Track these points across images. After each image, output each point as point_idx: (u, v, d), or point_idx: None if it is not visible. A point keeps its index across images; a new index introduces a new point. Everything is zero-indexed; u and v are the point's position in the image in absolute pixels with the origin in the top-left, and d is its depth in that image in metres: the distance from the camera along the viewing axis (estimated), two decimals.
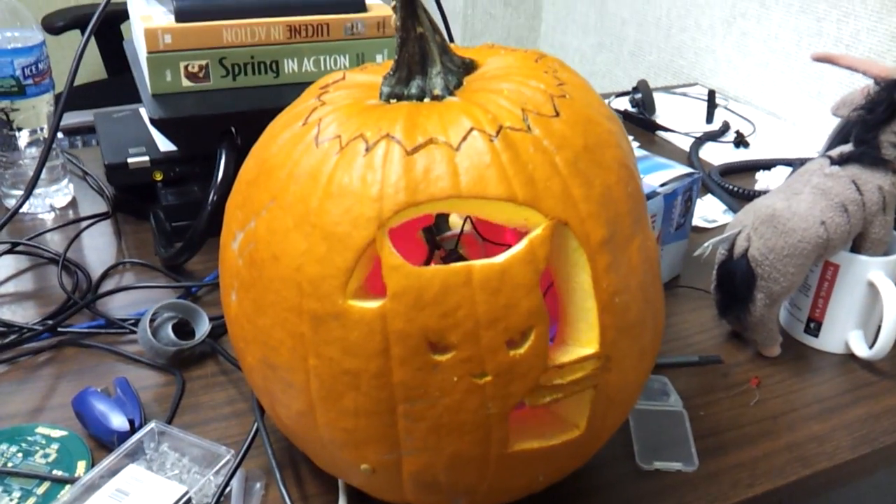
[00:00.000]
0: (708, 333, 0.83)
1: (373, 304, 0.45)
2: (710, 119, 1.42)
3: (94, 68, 2.29)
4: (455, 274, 0.45)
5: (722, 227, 1.03)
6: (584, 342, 0.49)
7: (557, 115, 0.49)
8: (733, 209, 1.08)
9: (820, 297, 0.79)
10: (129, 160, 0.94)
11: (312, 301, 0.47)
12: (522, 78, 0.51)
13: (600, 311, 0.48)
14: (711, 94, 1.43)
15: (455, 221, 0.69)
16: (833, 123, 1.41)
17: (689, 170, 0.86)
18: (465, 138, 0.46)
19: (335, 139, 0.48)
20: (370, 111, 0.50)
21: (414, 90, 0.52)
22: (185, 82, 0.87)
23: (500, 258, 0.45)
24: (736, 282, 0.75)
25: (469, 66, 0.55)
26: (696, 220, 1.05)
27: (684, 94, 1.55)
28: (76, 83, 2.13)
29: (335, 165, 0.47)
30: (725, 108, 1.49)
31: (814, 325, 0.80)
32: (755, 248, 0.73)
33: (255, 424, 0.60)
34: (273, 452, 0.58)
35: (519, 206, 0.46)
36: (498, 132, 0.47)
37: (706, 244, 0.74)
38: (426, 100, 0.52)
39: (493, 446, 0.49)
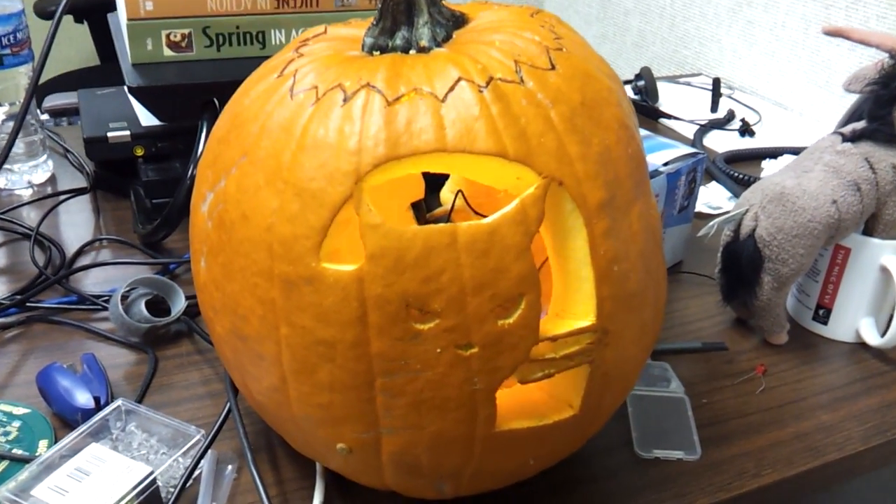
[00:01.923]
0: (712, 320, 0.79)
1: (348, 268, 0.42)
2: (714, 108, 1.38)
3: (86, 55, 2.25)
4: (439, 234, 0.41)
5: (718, 217, 0.99)
6: (579, 314, 0.45)
7: (553, 68, 0.45)
8: (738, 196, 1.04)
9: (830, 283, 0.75)
10: (109, 134, 0.90)
11: (284, 264, 0.43)
12: (516, 30, 0.48)
13: (597, 280, 0.44)
14: (716, 81, 1.40)
15: (446, 197, 0.65)
16: (841, 113, 1.38)
17: (694, 150, 0.82)
18: (451, 89, 0.43)
19: (311, 90, 0.44)
20: (350, 62, 0.46)
21: (399, 41, 0.48)
22: (167, 52, 0.83)
23: (489, 219, 0.42)
24: (742, 264, 0.71)
25: (459, 20, 0.51)
26: (700, 207, 1.01)
27: (688, 84, 1.51)
28: (68, 70, 2.10)
29: (310, 117, 0.43)
30: (730, 97, 1.45)
31: (823, 312, 0.76)
32: (763, 228, 0.69)
33: (228, 404, 0.56)
34: (245, 433, 0.54)
35: (510, 163, 0.42)
36: (488, 83, 0.43)
37: (711, 223, 0.71)
38: (412, 52, 0.48)
39: (480, 425, 0.45)
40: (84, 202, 0.94)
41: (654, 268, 0.49)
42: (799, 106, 1.42)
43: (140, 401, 0.64)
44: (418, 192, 0.62)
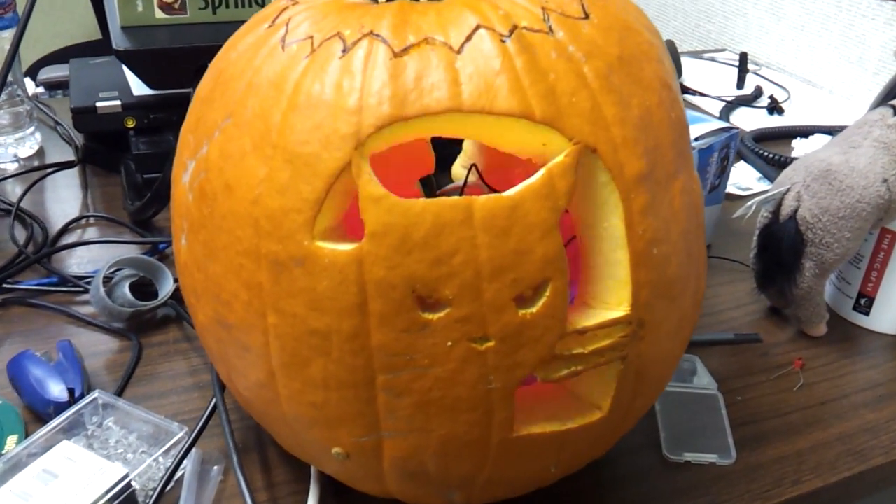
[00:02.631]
0: (744, 309, 0.73)
1: (347, 247, 0.36)
2: (740, 84, 1.31)
3: (88, 29, 2.19)
4: (452, 209, 0.35)
5: (757, 196, 0.93)
6: (611, 303, 0.39)
7: (587, 17, 0.39)
8: (769, 177, 0.98)
9: (873, 270, 0.69)
10: (99, 104, 0.84)
11: (272, 242, 0.37)
12: None
13: (633, 264, 0.38)
14: (743, 56, 1.32)
15: (458, 173, 0.59)
16: (874, 91, 1.30)
17: (726, 124, 0.76)
18: (468, 38, 0.36)
19: (306, 40, 0.38)
20: (352, 9, 0.40)
21: None
22: (159, 14, 0.77)
23: (511, 192, 0.36)
24: (781, 248, 0.65)
25: None
26: (729, 188, 0.95)
27: (712, 59, 1.44)
28: (68, 44, 2.04)
29: (304, 71, 0.37)
30: (757, 73, 1.38)
31: (865, 302, 0.70)
32: (806, 209, 0.63)
33: (214, 399, 0.51)
34: (231, 432, 0.48)
35: (536, 126, 0.36)
36: (511, 32, 0.37)
37: (749, 203, 0.64)
38: None
39: (496, 429, 0.39)
40: (72, 177, 0.89)
41: (695, 251, 0.43)
42: (829, 83, 1.34)
43: (121, 393, 0.58)
44: (428, 165, 0.56)
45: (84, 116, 0.84)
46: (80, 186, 0.87)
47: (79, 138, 0.92)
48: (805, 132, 1.13)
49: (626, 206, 0.38)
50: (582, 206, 0.39)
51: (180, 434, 0.51)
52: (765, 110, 1.22)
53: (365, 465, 0.42)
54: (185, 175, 0.43)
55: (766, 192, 0.71)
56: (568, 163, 0.36)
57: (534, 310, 0.36)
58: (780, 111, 1.21)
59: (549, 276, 0.36)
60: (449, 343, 0.36)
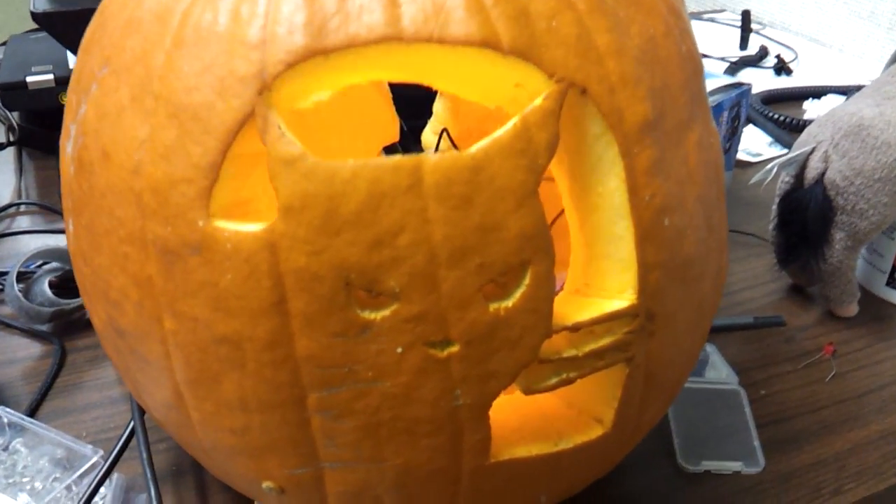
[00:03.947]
0: (762, 289, 0.64)
1: (254, 227, 0.27)
2: (744, 45, 1.21)
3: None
4: (393, 172, 0.26)
5: (777, 159, 0.83)
6: (612, 290, 0.30)
7: None
8: (781, 141, 0.89)
9: None
10: (30, 78, 0.75)
11: (158, 223, 0.28)
12: None
13: (639, 239, 0.29)
14: (746, 14, 1.23)
15: (429, 140, 0.50)
16: (890, 48, 1.21)
17: (735, 79, 0.67)
18: None
19: None
20: None
21: None
22: None
23: (473, 148, 0.26)
24: (807, 217, 0.56)
25: None
26: (738, 154, 0.85)
27: (712, 20, 1.34)
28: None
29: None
30: (760, 33, 1.28)
31: None
32: (835, 171, 0.54)
33: (132, 420, 0.42)
34: (148, 456, 0.39)
35: (504, 59, 0.27)
36: None
37: (769, 166, 0.55)
38: None
39: (467, 456, 0.31)
40: (5, 161, 0.79)
41: (716, 222, 0.34)
42: (839, 41, 1.25)
43: (37, 407, 0.49)
44: (391, 134, 0.47)
45: (13, 93, 0.75)
46: (14, 171, 0.78)
47: (14, 119, 0.83)
48: (817, 93, 1.04)
49: (627, 165, 0.29)
50: (569, 166, 0.30)
51: (94, 458, 0.42)
52: (771, 71, 1.12)
53: (306, 502, 0.33)
54: (68, 143, 0.34)
55: (785, 154, 0.62)
56: (548, 107, 0.27)
57: (509, 303, 0.28)
58: (788, 71, 1.12)
59: (529, 258, 0.27)
60: (399, 349, 0.28)
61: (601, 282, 0.31)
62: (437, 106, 0.48)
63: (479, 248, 0.27)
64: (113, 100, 0.29)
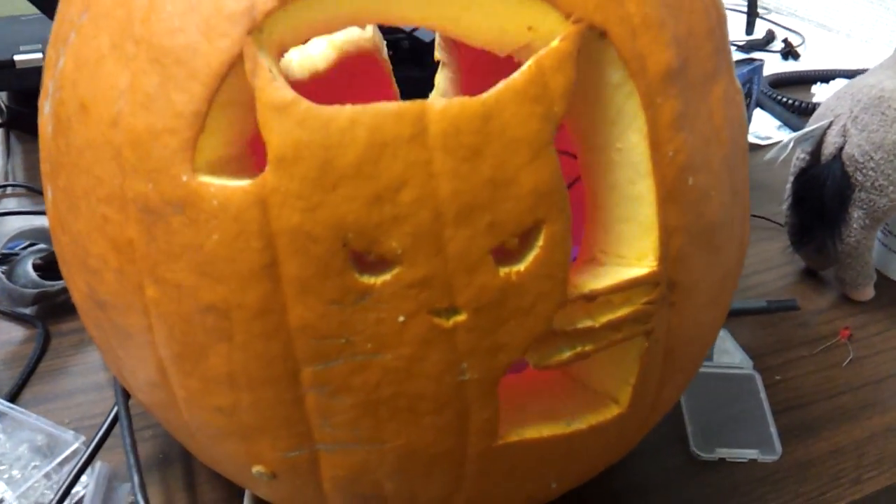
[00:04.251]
0: (775, 272, 0.62)
1: (242, 183, 0.24)
2: (750, 30, 1.18)
3: None
4: (396, 120, 0.23)
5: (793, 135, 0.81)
6: (630, 257, 0.28)
7: None
8: (790, 124, 0.86)
9: None
10: (17, 57, 0.72)
11: (139, 180, 0.26)
12: None
13: (661, 199, 0.27)
14: None
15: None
16: None
17: (747, 55, 0.64)
18: None
19: None
20: None
21: None
22: None
23: (484, 94, 0.24)
24: (824, 195, 0.53)
25: None
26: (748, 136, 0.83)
27: None
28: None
29: None
30: (765, 18, 1.26)
31: None
32: (854, 146, 0.52)
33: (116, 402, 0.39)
34: (132, 443, 0.37)
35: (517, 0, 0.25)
36: None
37: (785, 141, 0.53)
38: None
39: (474, 436, 0.28)
40: None
41: (740, 186, 0.32)
42: (846, 26, 1.22)
43: (18, 392, 0.47)
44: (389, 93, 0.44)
45: (0, 72, 0.72)
46: (2, 154, 0.75)
47: (1, 100, 0.80)
48: (825, 77, 1.01)
49: (649, 117, 0.26)
50: (585, 118, 0.27)
51: (76, 444, 0.40)
52: (778, 55, 1.10)
53: (299, 488, 0.31)
54: (46, 102, 0.31)
55: (802, 132, 0.60)
56: (565, 50, 0.24)
57: (521, 267, 0.25)
58: (796, 56, 1.10)
59: (543, 218, 0.25)
60: (401, 318, 0.25)
61: (619, 248, 0.29)
62: (439, 78, 0.45)
63: (489, 204, 0.24)
64: (92, 47, 0.27)
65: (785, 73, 1.00)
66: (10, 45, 0.75)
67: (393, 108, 0.23)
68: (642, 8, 0.26)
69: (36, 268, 0.53)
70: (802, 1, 1.29)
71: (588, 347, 0.28)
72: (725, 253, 0.31)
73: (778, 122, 0.88)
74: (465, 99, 0.24)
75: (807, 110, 0.90)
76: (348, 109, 0.23)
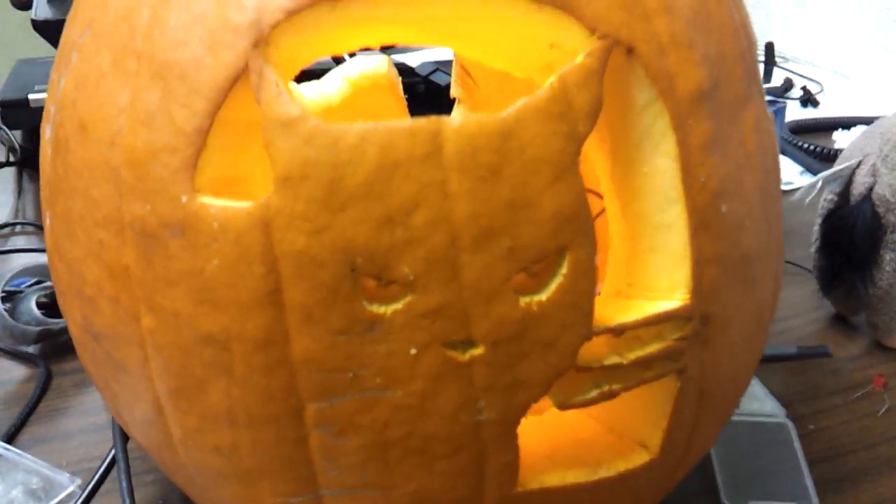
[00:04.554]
0: (804, 318, 0.60)
1: (245, 204, 0.23)
2: (767, 78, 1.18)
3: None
4: (409, 137, 0.22)
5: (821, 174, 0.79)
6: (661, 289, 0.26)
7: None
8: (812, 170, 0.85)
9: None
10: (31, 96, 0.72)
11: (137, 201, 0.24)
12: None
13: (694, 227, 0.25)
14: (769, 47, 1.20)
15: None
16: None
17: (770, 97, 0.63)
18: None
19: None
20: None
21: None
22: None
23: (504, 112, 0.23)
24: (854, 236, 0.51)
25: None
26: None
27: None
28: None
29: None
30: (782, 67, 1.25)
31: None
32: (885, 185, 0.50)
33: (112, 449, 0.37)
34: (129, 490, 0.35)
35: (539, 10, 0.23)
36: None
37: (813, 181, 0.51)
38: None
39: (491, 483, 0.26)
40: (5, 181, 0.76)
41: (774, 219, 0.30)
42: (864, 75, 1.22)
43: (16, 432, 0.45)
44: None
45: (14, 111, 0.73)
46: (13, 192, 0.75)
47: (16, 138, 0.80)
48: (846, 123, 1.00)
49: (680, 139, 0.25)
50: (611, 143, 0.26)
51: (71, 487, 0.38)
52: (798, 103, 1.09)
53: None
54: (47, 126, 0.30)
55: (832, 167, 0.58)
56: (590, 66, 0.23)
57: (543, 297, 0.23)
58: (815, 103, 1.09)
59: (566, 244, 0.23)
60: (413, 351, 0.23)
61: (648, 280, 0.27)
62: (455, 114, 0.44)
63: (508, 228, 0.23)
64: (93, 65, 0.26)
65: (805, 119, 0.99)
66: (25, 84, 0.76)
67: (406, 125, 0.22)
68: (671, 26, 0.25)
69: (40, 305, 0.52)
70: (820, 49, 1.29)
71: (616, 386, 0.26)
72: (761, 287, 0.29)
73: (800, 168, 0.86)
74: (483, 116, 0.22)
75: (829, 156, 0.88)
76: (358, 127, 0.22)
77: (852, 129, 1.00)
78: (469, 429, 0.25)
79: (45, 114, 0.31)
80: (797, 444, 0.46)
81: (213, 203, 0.23)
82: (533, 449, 0.28)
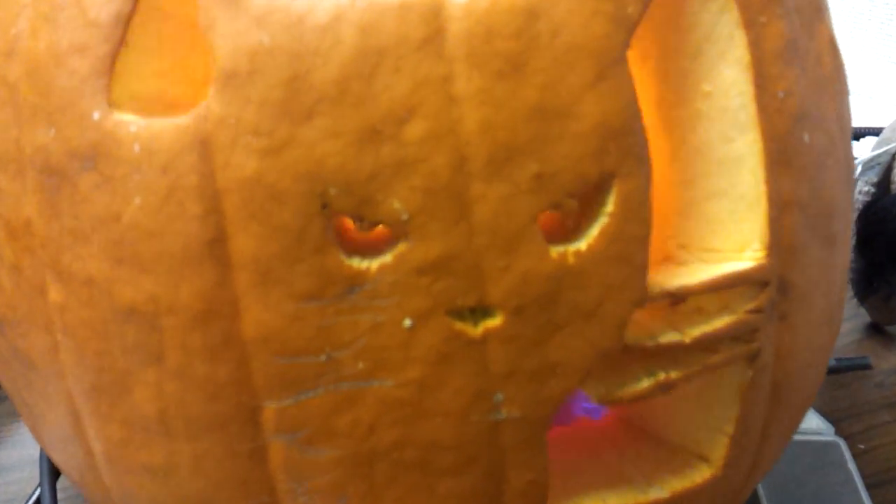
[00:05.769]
0: None
1: (175, 119, 0.17)
2: None
3: None
4: (400, 15, 0.16)
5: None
6: (725, 247, 0.20)
7: None
8: None
9: None
10: None
11: (38, 126, 0.18)
12: None
13: (770, 159, 0.19)
14: None
15: None
16: None
17: None
18: None
19: None
20: None
21: None
22: None
23: None
24: (891, 233, 0.46)
25: None
26: None
27: None
28: None
29: None
30: None
31: None
32: None
33: (38, 487, 0.31)
34: None
35: None
36: None
37: None
38: None
39: (511, 502, 0.20)
40: None
41: (850, 163, 0.24)
42: (867, 88, 1.18)
43: None
44: None
45: None
46: None
47: None
48: (854, 135, 0.96)
49: (751, 39, 0.19)
50: (660, 58, 0.20)
51: None
52: None
53: None
54: None
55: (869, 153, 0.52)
56: None
57: (581, 245, 0.17)
58: None
59: (613, 169, 0.17)
60: (407, 322, 0.17)
61: (708, 238, 0.21)
62: None
63: (534, 146, 0.16)
64: None
65: None
66: None
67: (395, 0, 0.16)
68: None
69: None
70: None
71: (674, 374, 0.20)
72: (840, 251, 0.23)
73: None
74: None
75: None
76: (330, 1, 0.16)
77: (861, 139, 0.96)
78: (483, 432, 0.19)
79: None
80: (852, 465, 0.39)
81: (132, 120, 0.17)
82: (563, 464, 0.22)
